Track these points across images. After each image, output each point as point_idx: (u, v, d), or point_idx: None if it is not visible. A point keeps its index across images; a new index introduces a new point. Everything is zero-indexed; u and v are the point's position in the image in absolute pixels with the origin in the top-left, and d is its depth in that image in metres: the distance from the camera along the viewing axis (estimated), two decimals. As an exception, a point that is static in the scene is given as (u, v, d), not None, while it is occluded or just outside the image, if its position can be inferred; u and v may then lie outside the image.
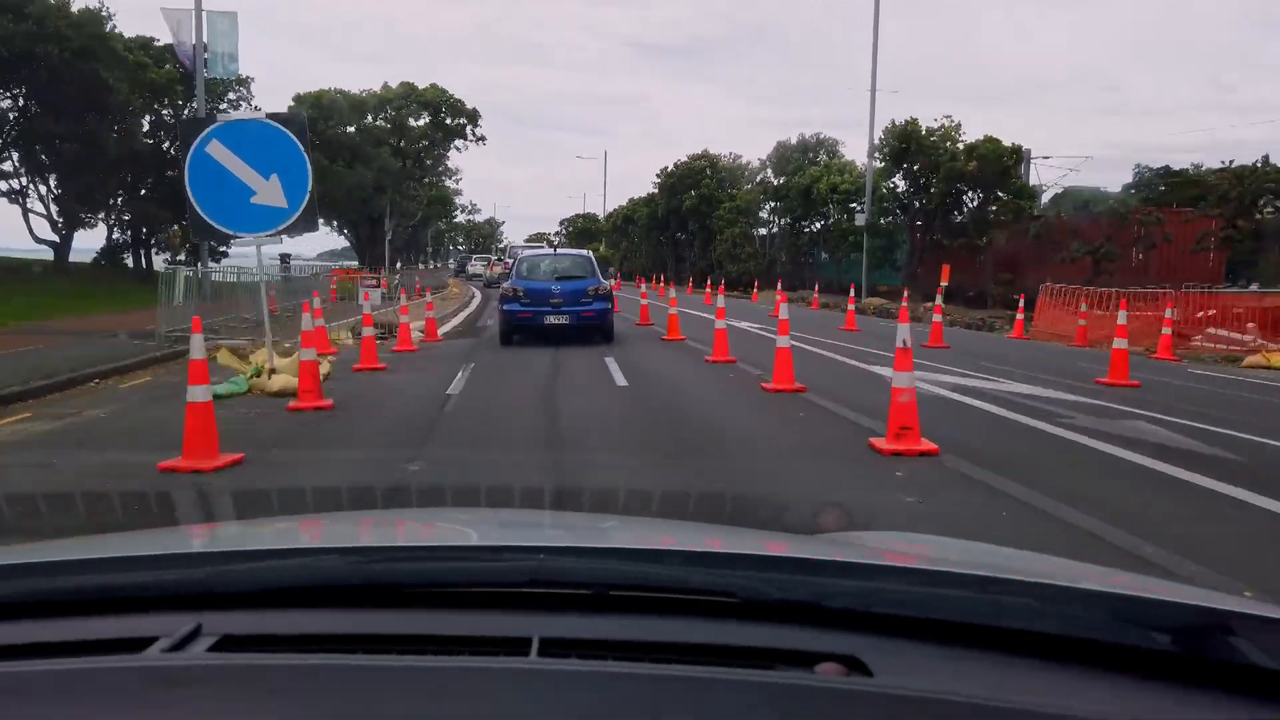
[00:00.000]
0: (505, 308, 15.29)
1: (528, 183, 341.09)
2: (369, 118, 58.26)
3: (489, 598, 1.16)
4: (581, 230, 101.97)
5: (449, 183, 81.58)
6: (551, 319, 14.81)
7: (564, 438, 7.70)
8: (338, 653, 1.02)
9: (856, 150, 53.12)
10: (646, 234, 64.68)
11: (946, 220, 34.39)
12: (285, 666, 0.98)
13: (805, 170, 44.90)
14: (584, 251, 19.01)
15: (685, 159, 56.10)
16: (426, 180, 72.57)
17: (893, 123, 35.48)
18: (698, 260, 56.57)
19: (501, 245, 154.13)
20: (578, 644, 1.05)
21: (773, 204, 49.55)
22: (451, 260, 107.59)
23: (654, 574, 1.20)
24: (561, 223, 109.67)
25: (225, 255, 30.70)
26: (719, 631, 1.08)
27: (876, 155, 34.84)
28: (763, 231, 51.07)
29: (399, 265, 70.62)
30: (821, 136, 49.38)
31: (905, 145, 34.45)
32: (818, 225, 45.16)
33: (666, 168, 57.26)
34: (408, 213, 72.33)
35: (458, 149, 64.87)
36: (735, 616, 1.11)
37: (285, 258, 35.12)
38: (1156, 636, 1.02)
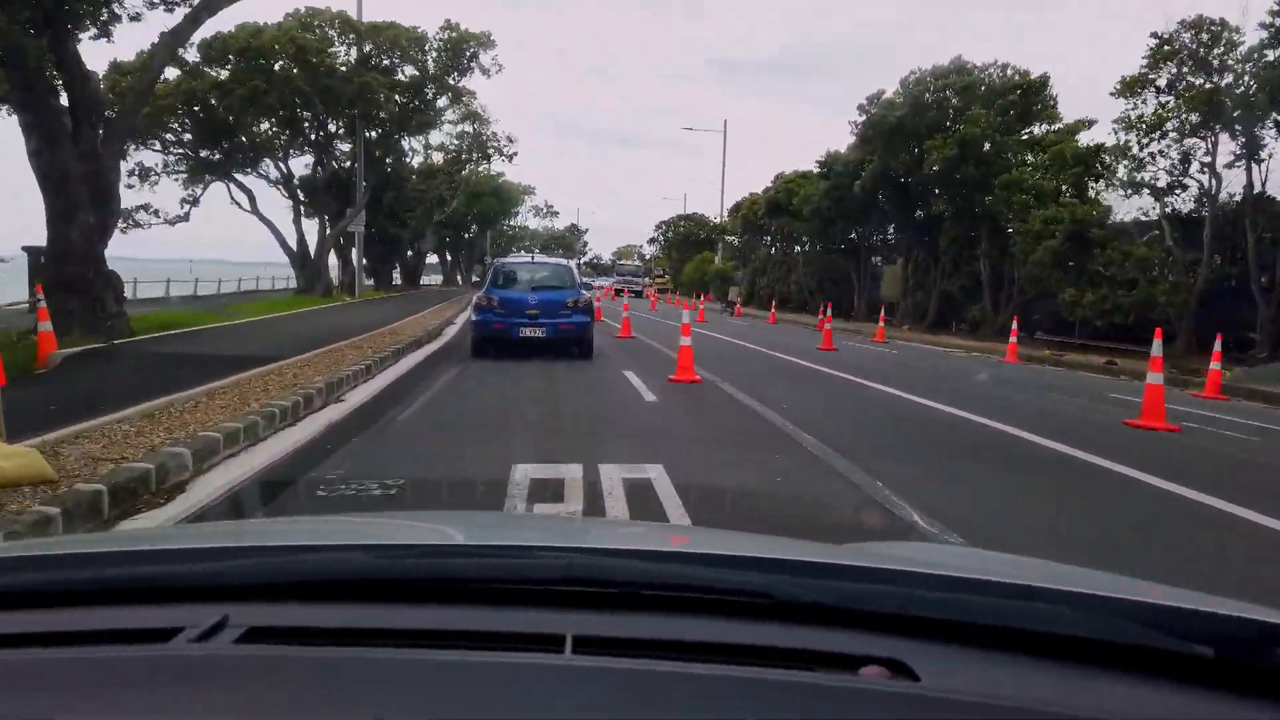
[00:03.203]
0: (478, 318, 14.30)
1: (610, 198, 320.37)
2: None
3: (519, 595, 1.14)
4: (684, 237, 75.41)
5: (501, 165, 55.26)
6: (527, 331, 13.81)
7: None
8: (366, 647, 1.01)
9: None
10: (820, 230, 36.99)
11: None
12: (313, 659, 0.98)
13: None
14: (564, 260, 17.50)
15: (924, 70, 28.44)
16: (454, 153, 47.35)
17: None
18: (947, 278, 28.78)
19: (586, 258, 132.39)
20: (612, 642, 1.03)
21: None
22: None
23: (687, 574, 1.19)
24: (659, 226, 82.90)
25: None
26: (755, 633, 1.07)
27: None
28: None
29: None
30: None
31: None
32: None
33: (883, 93, 29.64)
34: (426, 197, 46.79)
35: (465, 99, 38.71)
36: (770, 619, 1.10)
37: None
38: (1198, 645, 1.02)
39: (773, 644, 1.04)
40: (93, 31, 12.16)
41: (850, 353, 18.78)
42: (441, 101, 37.92)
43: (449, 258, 78.80)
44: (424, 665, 0.95)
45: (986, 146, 26.11)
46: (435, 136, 55.19)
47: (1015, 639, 1.06)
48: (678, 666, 0.97)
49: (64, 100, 11.68)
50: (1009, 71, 28.07)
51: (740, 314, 37.26)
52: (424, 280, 79.11)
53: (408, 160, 50.62)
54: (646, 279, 76.22)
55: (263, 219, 31.60)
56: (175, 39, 12.66)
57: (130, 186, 28.45)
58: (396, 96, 33.84)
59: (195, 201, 31.93)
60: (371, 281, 51.88)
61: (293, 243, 32.30)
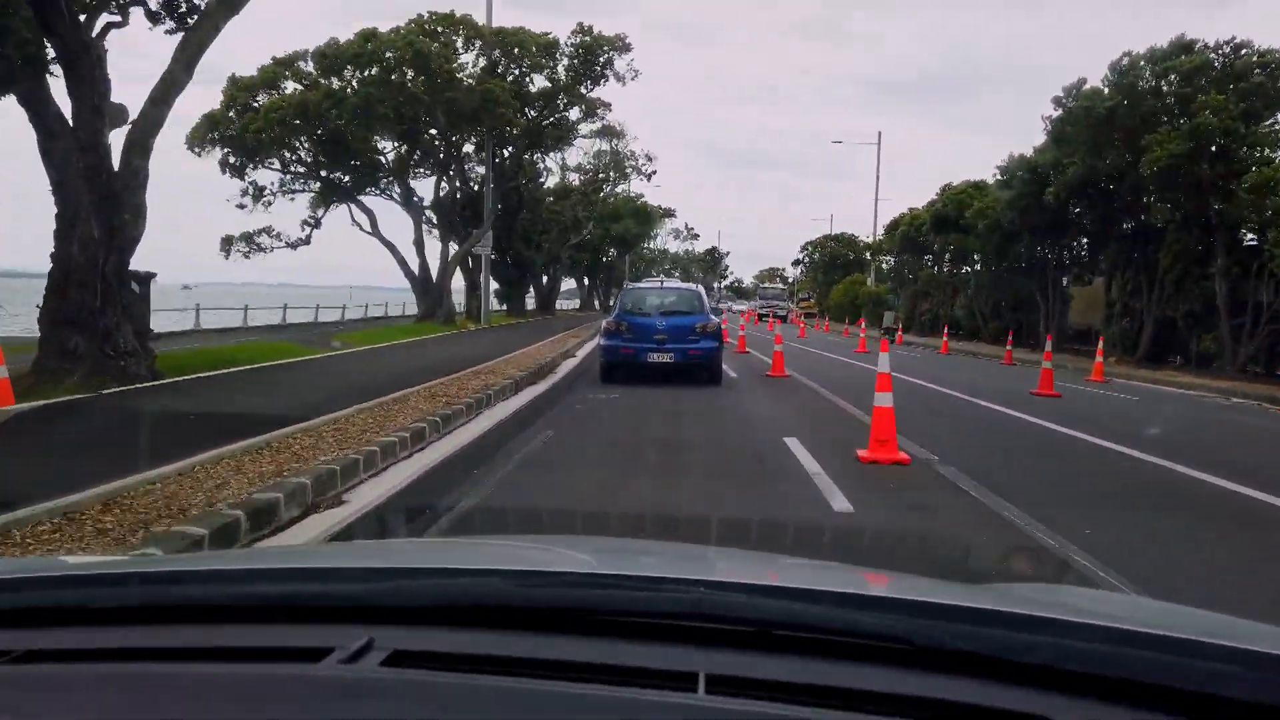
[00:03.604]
0: (606, 342, 14.23)
1: (750, 222, 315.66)
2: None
3: (647, 628, 1.14)
4: (832, 259, 71.36)
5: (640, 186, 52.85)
6: (655, 356, 13.67)
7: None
8: (503, 675, 1.02)
9: None
10: (999, 246, 32.20)
11: None
12: (456, 686, 1.00)
13: None
14: (693, 286, 17.04)
15: (1136, 53, 23.62)
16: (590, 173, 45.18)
17: None
18: (1166, 302, 23.85)
19: (726, 281, 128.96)
20: (745, 683, 1.03)
21: None
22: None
23: (822, 615, 1.15)
24: (804, 247, 78.90)
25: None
26: (892, 680, 1.04)
27: None
28: None
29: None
30: None
31: None
32: None
33: (1084, 82, 24.90)
34: (561, 218, 44.64)
35: (600, 112, 35.95)
36: (909, 665, 1.07)
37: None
38: None
39: (912, 693, 1.01)
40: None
41: (1081, 399, 14.44)
42: (574, 114, 35.35)
43: (586, 281, 76.82)
44: (561, 698, 0.97)
45: (1221, 140, 21.13)
46: (572, 156, 53.36)
47: (1170, 697, 1.00)
48: (814, 713, 0.96)
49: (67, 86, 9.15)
50: (1244, 52, 22.95)
51: (900, 341, 32.87)
52: (561, 304, 77.77)
53: (542, 181, 48.60)
54: (791, 303, 72.02)
55: (384, 241, 29.72)
56: (195, 38, 9.97)
57: (242, 206, 27.03)
58: (527, 110, 31.46)
59: (317, 223, 30.33)
60: (503, 306, 50.11)
61: (415, 267, 30.16)
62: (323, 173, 29.72)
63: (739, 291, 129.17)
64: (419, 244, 29.70)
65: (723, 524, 5.31)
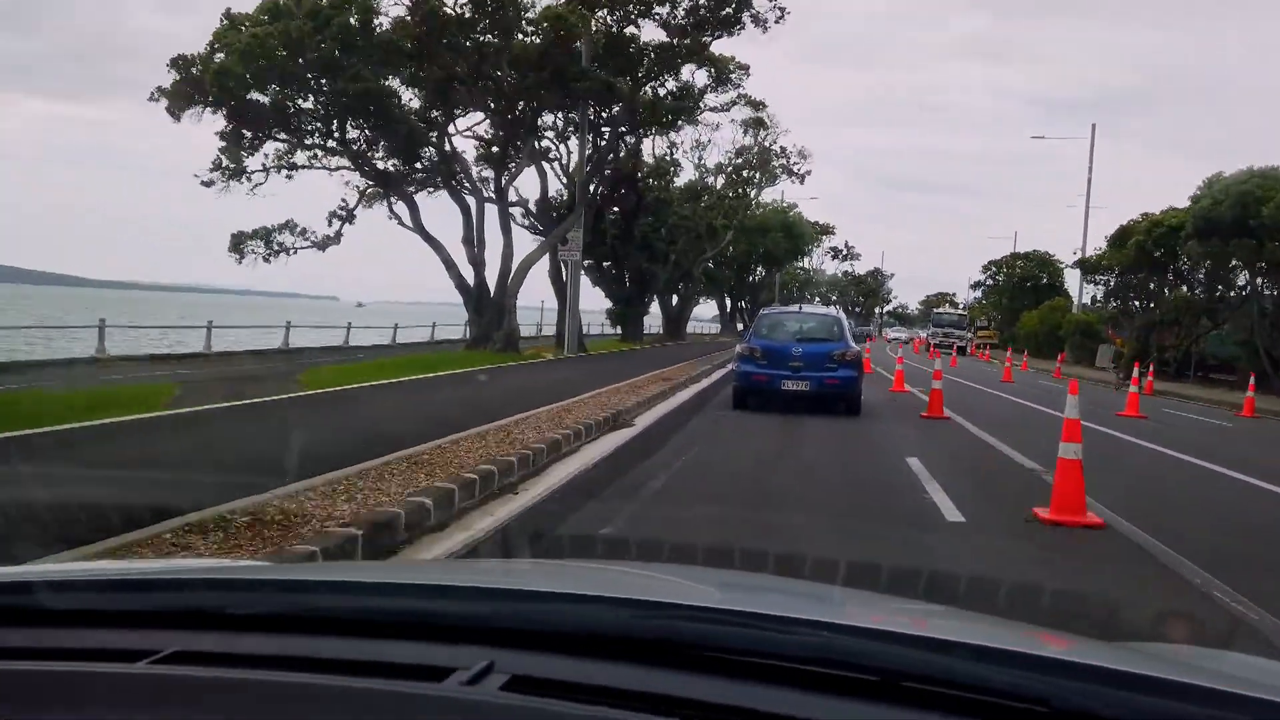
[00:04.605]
0: (740, 368, 13.90)
1: (913, 245, 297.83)
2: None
3: (768, 669, 1.11)
4: (1020, 280, 60.46)
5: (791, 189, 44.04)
6: (790, 384, 13.22)
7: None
8: (621, 708, 1.03)
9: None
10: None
11: None
12: (574, 716, 1.00)
13: None
14: (832, 311, 17.58)
15: None
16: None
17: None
18: None
19: (889, 306, 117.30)
20: None
21: None
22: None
23: (954, 668, 1.09)
24: (986, 267, 67.57)
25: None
26: None
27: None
28: None
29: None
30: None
31: None
32: None
33: None
34: (693, 225, 36.35)
35: (735, 76, 27.06)
36: None
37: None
38: None
39: None
40: None
41: None
42: (700, 77, 26.91)
43: (728, 303, 67.96)
44: None
45: None
46: (711, 156, 44.81)
47: None
48: None
49: None
50: None
51: (1150, 390, 22.44)
52: (698, 328, 69.24)
53: (669, 178, 40.29)
54: (968, 331, 60.68)
55: (429, 239, 21.85)
56: None
57: (209, 184, 19.57)
58: (634, 69, 23.23)
59: (348, 216, 22.95)
60: (617, 329, 42.00)
61: (469, 275, 22.16)
62: (380, 162, 22.54)
63: (901, 318, 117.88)
64: (472, 242, 21.66)
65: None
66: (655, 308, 46.89)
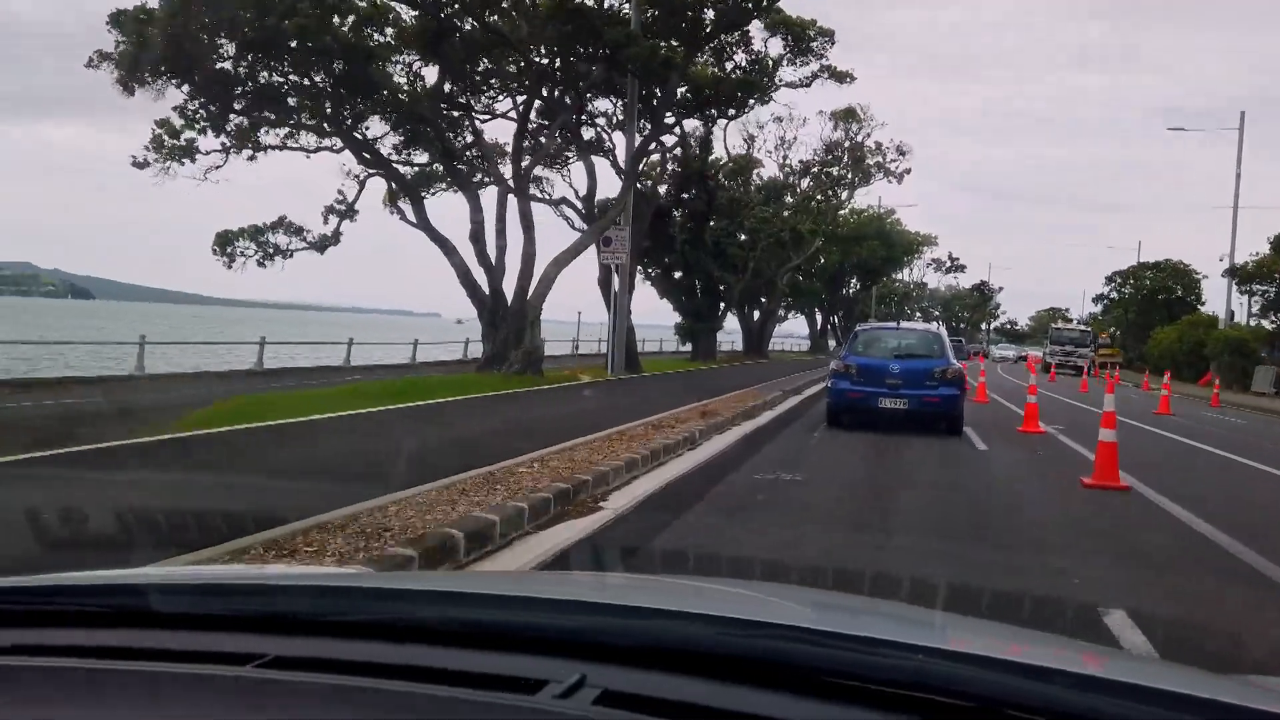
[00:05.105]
0: (835, 385, 13.34)
1: (1023, 259, 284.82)
2: None
3: (860, 692, 1.09)
4: (1150, 293, 54.67)
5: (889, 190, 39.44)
6: (886, 402, 12.66)
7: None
8: None
9: None
10: None
11: None
12: None
13: None
14: (933, 326, 17.52)
15: None
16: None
17: None
18: None
19: (996, 322, 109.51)
20: None
21: None
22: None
23: (1056, 697, 1.05)
24: (1110, 279, 61.24)
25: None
26: None
27: None
28: None
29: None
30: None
31: None
32: None
33: None
34: (773, 230, 32.13)
35: (817, 44, 22.34)
36: None
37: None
38: None
39: None
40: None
41: None
42: (774, 45, 22.49)
43: (819, 318, 62.80)
44: None
45: None
46: (797, 154, 40.14)
47: None
48: None
49: None
50: None
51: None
52: (786, 345, 64.15)
53: (746, 178, 35.88)
54: (1090, 349, 54.06)
55: (434, 235, 17.88)
56: None
57: (142, 165, 15.83)
58: (675, 45, 19.03)
59: (348, 212, 19.25)
60: (686, 346, 37.59)
61: (484, 280, 18.08)
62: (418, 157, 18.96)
63: (1010, 335, 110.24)
64: (480, 239, 17.59)
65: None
66: (733, 322, 42.39)
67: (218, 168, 16.42)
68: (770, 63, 22.50)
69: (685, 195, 32.76)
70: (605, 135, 25.95)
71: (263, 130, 16.48)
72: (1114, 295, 62.40)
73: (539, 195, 23.10)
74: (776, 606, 1.61)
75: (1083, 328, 55.73)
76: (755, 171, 37.48)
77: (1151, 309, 56.31)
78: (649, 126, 23.20)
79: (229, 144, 16.27)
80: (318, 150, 17.47)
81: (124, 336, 22.13)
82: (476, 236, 17.73)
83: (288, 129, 16.74)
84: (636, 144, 20.64)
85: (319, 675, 1.07)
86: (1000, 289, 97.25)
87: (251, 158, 16.72)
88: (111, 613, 1.30)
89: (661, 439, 9.18)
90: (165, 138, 15.65)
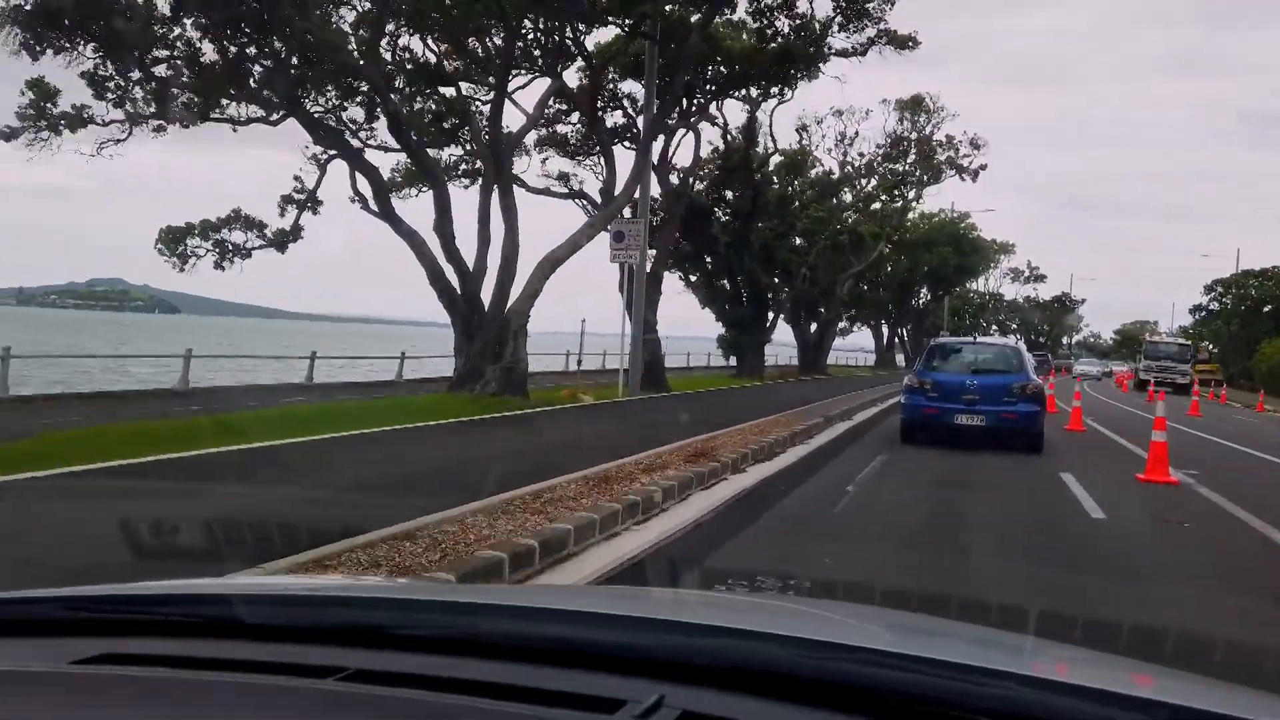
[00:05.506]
0: (909, 400, 13.11)
1: (1106, 270, 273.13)
2: None
3: (941, 718, 1.06)
4: (1255, 304, 49.50)
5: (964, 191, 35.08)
6: (963, 418, 12.40)
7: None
8: None
9: None
10: None
11: None
12: None
13: None
14: (1010, 341, 17.32)
15: None
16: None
17: None
18: None
19: (1079, 336, 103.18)
20: None
21: None
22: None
23: None
24: (1208, 289, 56.06)
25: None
26: None
27: None
28: None
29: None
30: None
31: None
32: None
33: None
34: (830, 232, 28.77)
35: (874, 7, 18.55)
36: None
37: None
38: None
39: None
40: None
41: None
42: (822, 5, 18.94)
43: (884, 331, 58.51)
44: None
45: None
46: (857, 147, 36.24)
47: None
48: None
49: None
50: None
51: None
52: (848, 359, 59.89)
53: (800, 177, 32.25)
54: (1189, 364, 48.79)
55: (397, 225, 14.65)
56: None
57: (10, 136, 12.95)
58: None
59: (310, 202, 16.32)
60: (730, 361, 33.96)
61: (456, 281, 14.82)
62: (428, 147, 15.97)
63: (1093, 349, 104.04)
64: (445, 230, 14.35)
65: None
66: (787, 334, 38.66)
67: (118, 141, 13.63)
68: (817, 26, 18.96)
69: (728, 192, 29.34)
70: (631, 121, 22.74)
71: (182, 99, 13.60)
72: (1213, 306, 56.94)
73: (531, 186, 19.90)
74: (855, 628, 1.53)
75: (1182, 341, 50.42)
76: (811, 168, 33.85)
77: (1255, 321, 51.09)
78: (680, 110, 19.88)
79: (133, 111, 13.45)
80: (248, 122, 14.52)
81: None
82: (440, 228, 14.53)
83: (213, 97, 13.84)
84: (655, 111, 17.28)
85: (400, 690, 1.06)
86: (1083, 301, 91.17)
87: (159, 128, 13.85)
88: (200, 622, 1.30)
89: (585, 513, 5.80)
90: (42, 102, 12.92)
